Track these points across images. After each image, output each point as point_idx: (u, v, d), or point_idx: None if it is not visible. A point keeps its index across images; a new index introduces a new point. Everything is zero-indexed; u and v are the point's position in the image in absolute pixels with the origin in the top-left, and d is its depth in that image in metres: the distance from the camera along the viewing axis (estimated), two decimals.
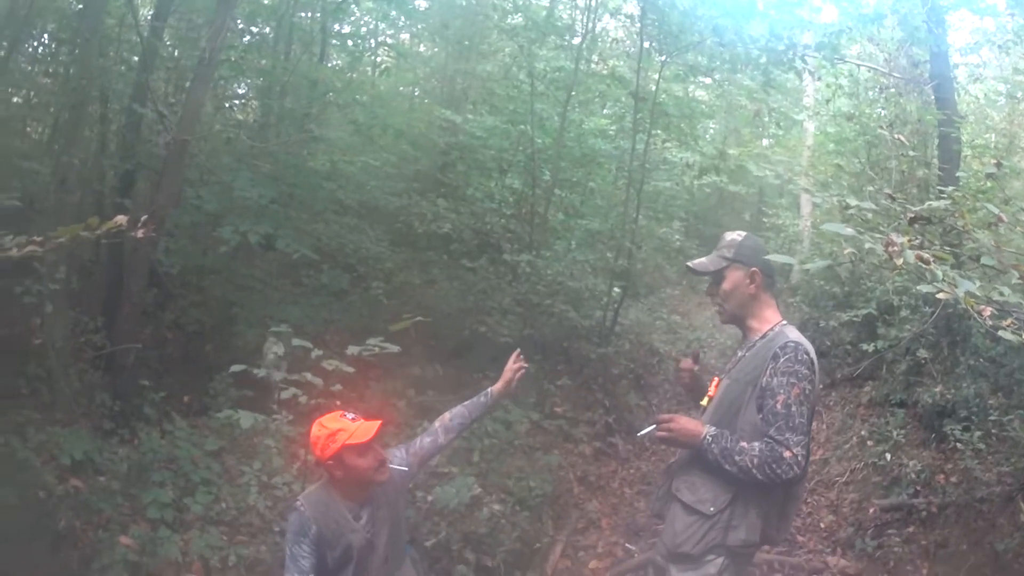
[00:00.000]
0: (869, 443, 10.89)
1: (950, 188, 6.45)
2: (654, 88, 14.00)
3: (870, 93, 17.09)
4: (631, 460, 11.55)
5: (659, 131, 14.45)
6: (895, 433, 10.51)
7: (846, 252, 5.39)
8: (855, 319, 12.79)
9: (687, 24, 13.18)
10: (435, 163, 14.13)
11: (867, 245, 5.02)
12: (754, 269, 4.53)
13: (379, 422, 4.48)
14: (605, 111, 16.18)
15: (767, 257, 4.63)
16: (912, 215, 6.11)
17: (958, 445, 9.29)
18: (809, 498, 10.20)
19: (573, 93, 13.45)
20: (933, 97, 13.39)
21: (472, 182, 14.08)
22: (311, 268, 11.31)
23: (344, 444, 4.35)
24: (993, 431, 9.15)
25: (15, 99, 10.16)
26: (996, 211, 5.86)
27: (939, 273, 4.77)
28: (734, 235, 4.73)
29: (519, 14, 14.18)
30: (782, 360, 4.22)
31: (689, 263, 4.81)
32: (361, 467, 4.41)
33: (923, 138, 14.63)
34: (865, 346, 12.06)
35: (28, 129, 10.85)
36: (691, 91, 17.93)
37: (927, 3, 12.79)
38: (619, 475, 11.07)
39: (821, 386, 12.89)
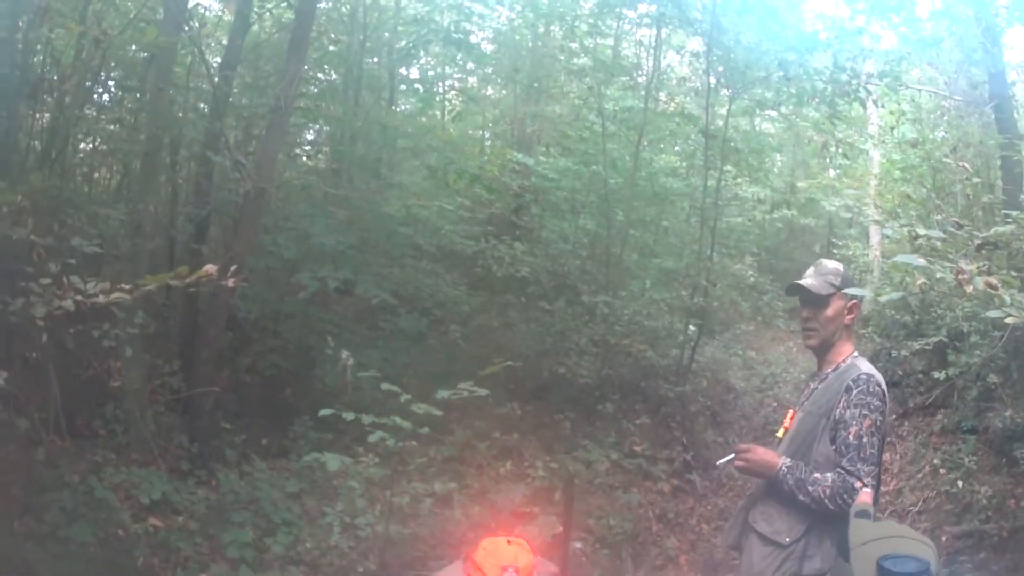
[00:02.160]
0: (941, 471, 10.79)
1: (1015, 212, 6.32)
2: (722, 124, 13.86)
3: (932, 117, 16.90)
4: (708, 496, 11.43)
5: (730, 167, 14.33)
6: (967, 460, 10.39)
7: (919, 283, 5.34)
8: (926, 347, 12.58)
9: (752, 60, 13.08)
10: (509, 206, 14.00)
11: (938, 275, 4.99)
12: (854, 301, 4.56)
13: None
14: (676, 149, 16.04)
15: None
16: (979, 241, 6.06)
17: None
18: None
19: (643, 132, 13.34)
20: (993, 118, 13.23)
21: (547, 224, 14.07)
22: (388, 313, 11.25)
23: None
24: None
25: (83, 145, 10.25)
26: None
27: (1007, 298, 4.81)
28: (836, 264, 4.72)
29: (585, 55, 14.12)
30: (855, 392, 4.25)
31: (800, 281, 4.67)
32: None
33: (986, 160, 14.39)
34: (936, 374, 11.85)
35: (96, 175, 10.94)
36: (758, 125, 17.71)
37: (981, 23, 12.63)
38: (697, 512, 10.96)
39: (894, 416, 12.70)
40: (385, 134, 12.59)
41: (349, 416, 6.61)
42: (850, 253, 18.92)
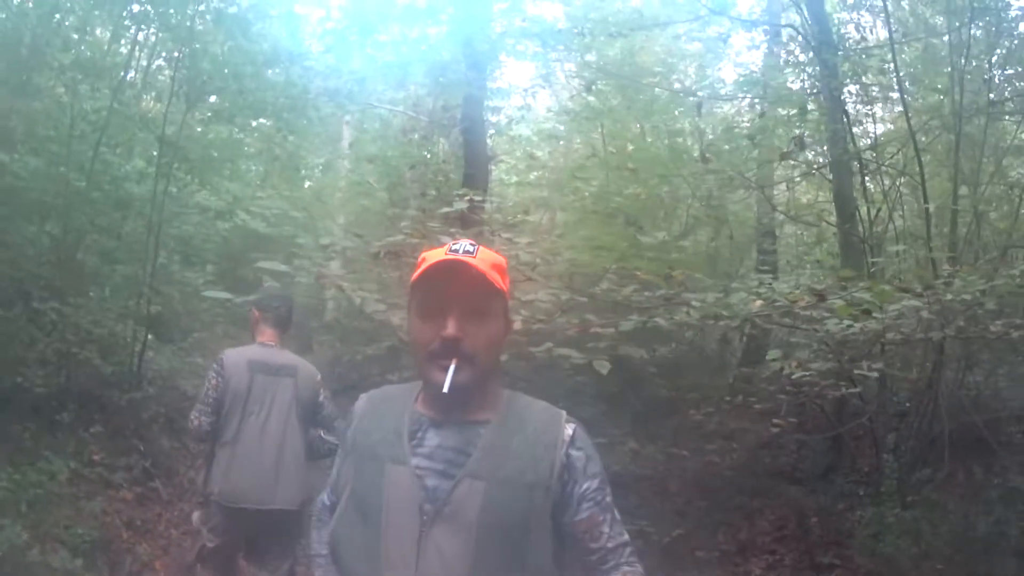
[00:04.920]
0: None
1: (404, 224, 8.50)
2: (186, 132, 15.23)
3: (401, 136, 18.88)
4: (174, 503, 12.54)
5: (185, 175, 15.78)
6: None
7: (266, 285, 8.21)
8: (378, 351, 14.31)
9: (216, 70, 14.61)
10: None
11: (296, 279, 7.91)
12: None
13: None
14: (143, 155, 16.75)
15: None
16: (375, 250, 8.46)
17: None
18: None
19: (104, 134, 14.19)
20: (463, 139, 15.50)
21: (12, 227, 14.06)
22: None
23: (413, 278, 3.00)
24: None
25: None
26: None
27: (357, 300, 8.11)
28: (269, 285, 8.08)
29: (72, 51, 14.69)
30: None
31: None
32: (415, 333, 2.99)
33: (447, 177, 16.61)
34: (391, 376, 13.16)
35: None
36: (232, 134, 18.70)
37: (468, 49, 14.82)
38: (164, 518, 12.02)
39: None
40: None
41: None
42: (308, 262, 20.54)
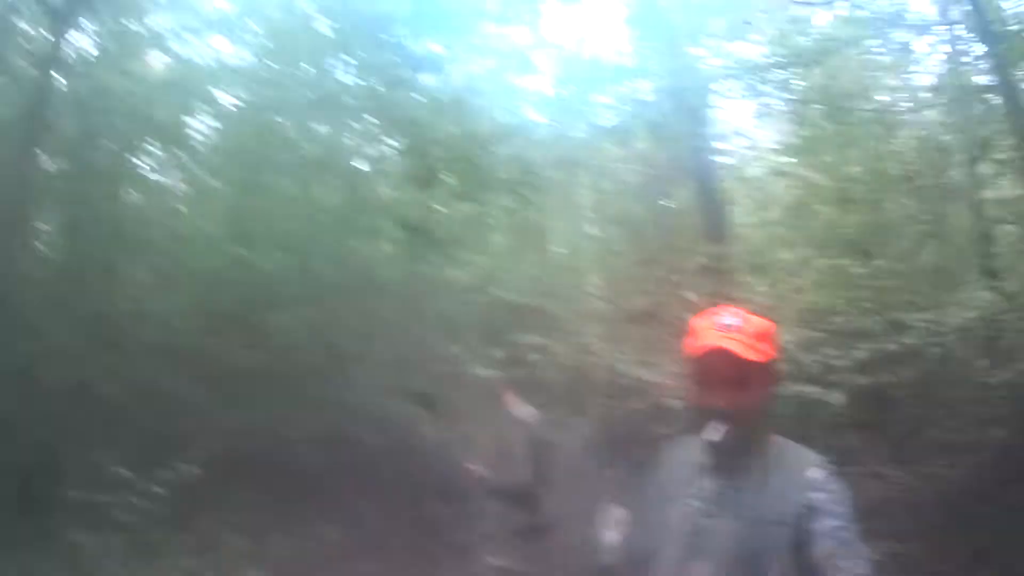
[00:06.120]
0: None
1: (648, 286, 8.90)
2: (425, 214, 16.15)
3: (639, 191, 19.50)
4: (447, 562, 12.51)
5: (432, 255, 16.49)
6: None
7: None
8: (642, 406, 13.90)
9: (441, 154, 15.52)
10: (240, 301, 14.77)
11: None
12: None
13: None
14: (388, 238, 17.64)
15: None
16: (628, 313, 8.94)
17: None
18: None
19: (348, 224, 15.46)
20: (696, 188, 16.00)
21: (270, 318, 14.74)
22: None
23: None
24: None
25: None
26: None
27: (614, 363, 9.31)
28: None
29: (298, 150, 15.79)
30: None
31: None
32: (690, 396, 3.68)
33: (687, 228, 17.09)
34: (658, 430, 13.59)
35: None
36: (478, 210, 19.27)
37: (678, 102, 15.41)
38: None
39: None
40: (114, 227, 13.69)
41: None
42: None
